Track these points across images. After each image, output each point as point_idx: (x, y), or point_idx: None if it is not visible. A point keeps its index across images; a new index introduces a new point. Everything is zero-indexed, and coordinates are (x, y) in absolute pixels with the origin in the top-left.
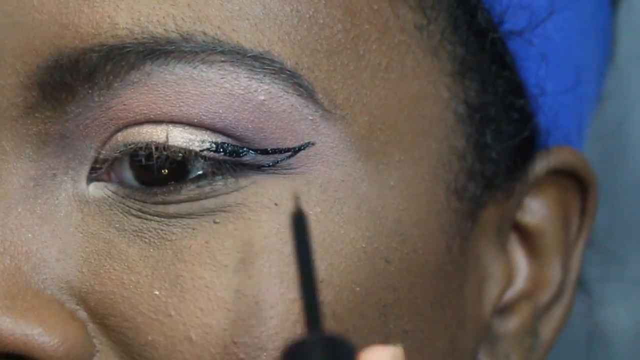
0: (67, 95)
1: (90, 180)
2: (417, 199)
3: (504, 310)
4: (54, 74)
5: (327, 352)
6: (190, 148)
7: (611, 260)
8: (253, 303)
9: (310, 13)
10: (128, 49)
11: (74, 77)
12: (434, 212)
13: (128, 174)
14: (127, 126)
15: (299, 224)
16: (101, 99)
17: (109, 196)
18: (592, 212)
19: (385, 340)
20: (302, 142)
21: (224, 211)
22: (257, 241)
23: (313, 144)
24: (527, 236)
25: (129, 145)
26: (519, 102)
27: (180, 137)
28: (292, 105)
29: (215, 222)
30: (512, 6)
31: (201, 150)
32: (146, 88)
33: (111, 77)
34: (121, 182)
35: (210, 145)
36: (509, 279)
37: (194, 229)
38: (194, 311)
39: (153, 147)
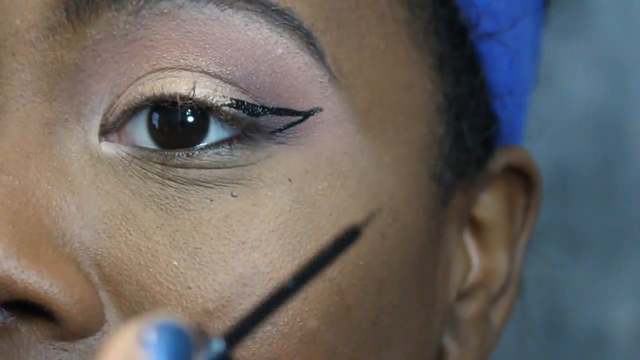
0: (91, 15)
1: (101, 137)
2: (407, 178)
3: (463, 296)
4: None
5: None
6: (212, 101)
7: (611, 260)
8: (267, 280)
9: None
10: None
11: None
12: (419, 193)
13: (143, 135)
14: (148, 79)
15: (349, 239)
16: (127, 27)
17: (123, 157)
18: (535, 209)
19: (378, 314)
20: (311, 106)
21: (241, 184)
22: (273, 218)
23: (321, 109)
24: (477, 229)
25: (149, 98)
26: (487, 99)
27: (201, 92)
28: (305, 63)
29: (233, 195)
30: (486, 9)
31: (222, 105)
32: (175, 23)
33: (141, 3)
34: (134, 144)
35: (231, 101)
36: (468, 267)
37: (212, 200)
38: (213, 284)
39: (178, 97)
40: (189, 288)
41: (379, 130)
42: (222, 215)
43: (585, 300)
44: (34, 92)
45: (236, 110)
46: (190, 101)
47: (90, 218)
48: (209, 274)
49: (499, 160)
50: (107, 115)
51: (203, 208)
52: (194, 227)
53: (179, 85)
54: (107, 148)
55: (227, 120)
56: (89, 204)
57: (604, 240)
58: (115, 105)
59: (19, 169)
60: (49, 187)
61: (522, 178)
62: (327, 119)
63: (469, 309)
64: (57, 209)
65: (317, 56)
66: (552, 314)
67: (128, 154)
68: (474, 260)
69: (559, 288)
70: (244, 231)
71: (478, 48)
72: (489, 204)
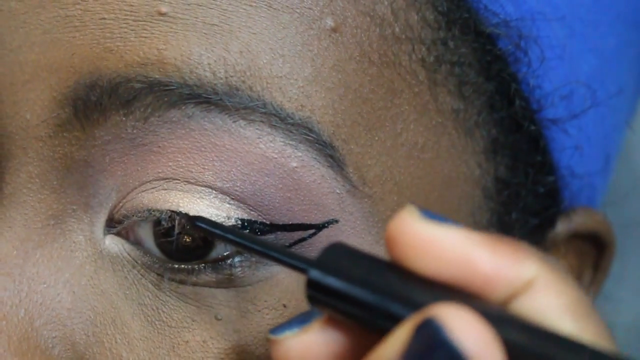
0: (100, 117)
1: (107, 231)
2: None
3: None
4: (90, 93)
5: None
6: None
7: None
8: None
9: (356, 86)
10: (172, 87)
11: (111, 101)
12: None
13: (148, 239)
14: (153, 187)
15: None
16: (135, 132)
17: (124, 256)
18: (605, 269)
19: None
20: (326, 218)
21: (229, 307)
22: (252, 348)
23: (337, 221)
24: None
25: (153, 211)
26: (547, 179)
27: (207, 211)
28: (322, 176)
29: (217, 318)
30: (551, 94)
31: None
32: (183, 131)
33: (150, 110)
34: (139, 244)
35: (236, 222)
36: None
37: (193, 321)
38: None
39: (177, 220)
40: None
41: None
42: (200, 340)
43: None
44: (42, 184)
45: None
46: (192, 229)
47: (84, 318)
48: None
49: (562, 228)
50: (113, 212)
51: (184, 328)
52: (173, 348)
53: (181, 202)
54: (111, 244)
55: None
56: (84, 304)
57: None
58: (120, 205)
59: (15, 267)
60: (45, 285)
61: (592, 239)
62: (342, 231)
63: None
64: (51, 308)
65: (336, 167)
66: None
67: (130, 257)
68: None
69: None
70: (219, 359)
71: (543, 132)
72: None
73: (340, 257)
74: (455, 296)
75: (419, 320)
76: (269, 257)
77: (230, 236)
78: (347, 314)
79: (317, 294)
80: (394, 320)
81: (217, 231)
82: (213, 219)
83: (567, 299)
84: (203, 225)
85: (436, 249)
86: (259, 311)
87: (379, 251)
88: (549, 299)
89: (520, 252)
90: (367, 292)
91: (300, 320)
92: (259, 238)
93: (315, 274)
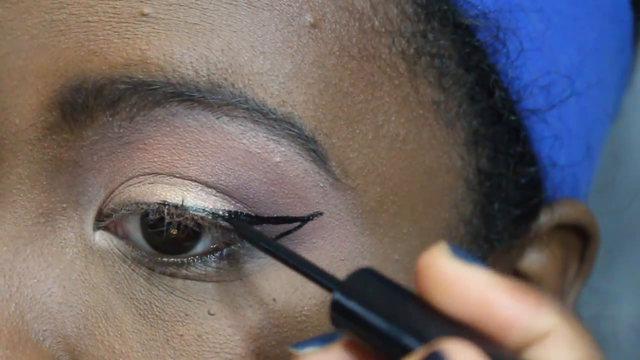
0: (87, 119)
1: (96, 227)
2: None
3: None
4: (76, 95)
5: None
6: (204, 215)
7: (611, 260)
8: None
9: (336, 80)
10: (156, 87)
11: (97, 102)
12: None
13: (136, 232)
14: (140, 181)
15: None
16: (121, 131)
17: (114, 252)
18: (590, 260)
19: None
20: (311, 211)
21: (221, 302)
22: (248, 343)
23: (321, 213)
24: (524, 280)
25: (141, 204)
26: (529, 170)
27: (194, 202)
28: (305, 170)
29: (210, 314)
30: (530, 85)
31: (215, 218)
32: (168, 128)
33: (135, 110)
34: (127, 238)
35: (223, 213)
36: None
37: (187, 315)
38: None
39: (165, 211)
40: None
41: (390, 226)
42: (195, 334)
43: (585, 300)
44: (32, 185)
45: (227, 223)
46: (180, 217)
47: (75, 312)
48: None
49: (545, 218)
50: (102, 207)
51: (177, 321)
52: (167, 341)
53: (168, 194)
54: (101, 239)
55: (219, 229)
56: (75, 297)
57: (604, 241)
58: (109, 200)
59: (5, 263)
60: (35, 280)
61: (577, 230)
62: (327, 223)
63: None
64: (42, 302)
65: (319, 161)
66: None
67: (120, 251)
68: None
69: None
70: (214, 353)
71: (523, 122)
72: (534, 260)
73: (367, 282)
74: (470, 336)
75: (426, 352)
76: (300, 271)
77: (264, 245)
78: (365, 339)
79: (339, 316)
80: (407, 352)
81: (257, 240)
82: (200, 210)
83: (579, 354)
84: (244, 232)
85: (459, 288)
86: (250, 306)
87: (364, 242)
88: (562, 352)
89: (540, 301)
90: (385, 321)
91: (322, 339)
92: (294, 252)
93: (339, 295)
